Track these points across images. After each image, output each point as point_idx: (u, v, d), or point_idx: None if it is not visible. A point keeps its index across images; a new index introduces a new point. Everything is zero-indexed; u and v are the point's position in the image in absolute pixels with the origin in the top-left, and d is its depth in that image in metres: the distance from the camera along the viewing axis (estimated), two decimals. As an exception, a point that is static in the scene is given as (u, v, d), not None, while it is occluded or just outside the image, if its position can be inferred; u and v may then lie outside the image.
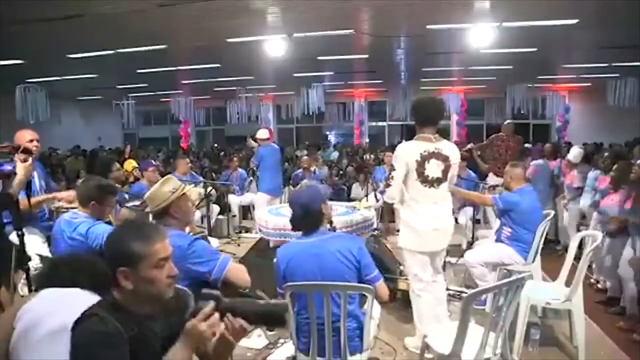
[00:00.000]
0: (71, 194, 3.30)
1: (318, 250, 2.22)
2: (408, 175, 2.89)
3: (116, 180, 4.34)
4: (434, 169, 2.87)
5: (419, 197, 2.90)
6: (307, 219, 2.30)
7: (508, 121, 6.92)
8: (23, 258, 2.44)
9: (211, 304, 1.33)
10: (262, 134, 6.60)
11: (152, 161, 5.91)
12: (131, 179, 5.52)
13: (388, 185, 2.99)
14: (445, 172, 2.92)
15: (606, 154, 5.09)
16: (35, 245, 3.07)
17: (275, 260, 2.34)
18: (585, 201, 4.99)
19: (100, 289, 1.50)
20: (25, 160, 2.53)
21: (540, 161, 5.96)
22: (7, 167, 2.41)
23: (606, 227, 3.90)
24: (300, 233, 2.39)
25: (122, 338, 1.29)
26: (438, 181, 2.90)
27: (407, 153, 2.91)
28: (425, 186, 2.88)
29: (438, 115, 3.05)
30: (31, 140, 3.29)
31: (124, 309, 1.36)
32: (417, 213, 2.93)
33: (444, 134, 3.27)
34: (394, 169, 2.94)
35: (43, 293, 1.60)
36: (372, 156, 9.19)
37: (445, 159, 2.91)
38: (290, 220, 2.38)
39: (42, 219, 3.36)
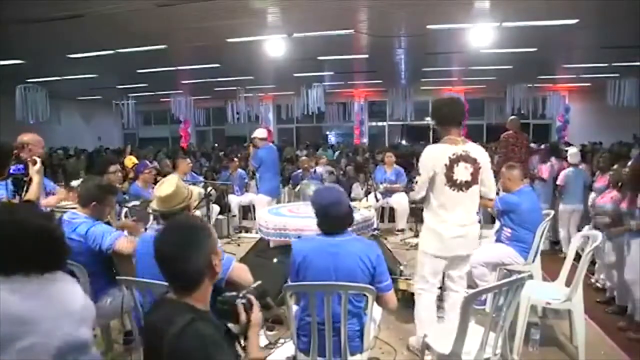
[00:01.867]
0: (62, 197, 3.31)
1: (336, 249, 2.21)
2: (435, 179, 2.78)
3: (112, 181, 4.35)
4: (462, 172, 2.77)
5: (447, 202, 2.80)
6: (339, 221, 2.27)
7: (513, 117, 6.67)
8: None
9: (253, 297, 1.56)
10: (260, 133, 6.47)
11: (148, 162, 5.89)
12: (131, 175, 5.53)
13: (412, 190, 2.92)
14: (475, 175, 2.81)
15: (605, 153, 5.10)
16: None
17: (275, 260, 2.34)
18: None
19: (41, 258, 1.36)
20: (34, 164, 2.55)
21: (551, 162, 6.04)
22: (18, 170, 2.44)
23: (602, 224, 3.89)
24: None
25: (223, 338, 1.37)
26: (467, 185, 2.79)
27: (434, 157, 2.79)
28: (454, 190, 2.78)
29: (461, 115, 2.95)
30: (24, 145, 3.23)
31: (200, 311, 1.39)
32: (443, 219, 2.82)
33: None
34: (419, 174, 2.83)
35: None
36: (370, 159, 9.18)
37: (474, 162, 2.80)
38: (319, 223, 2.31)
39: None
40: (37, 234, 1.37)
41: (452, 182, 2.76)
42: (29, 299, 1.31)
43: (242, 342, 1.51)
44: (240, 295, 1.53)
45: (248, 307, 1.51)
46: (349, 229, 2.35)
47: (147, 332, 1.45)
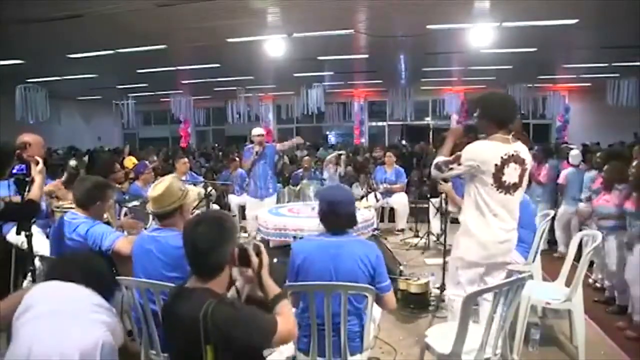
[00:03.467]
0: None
1: (337, 250, 2.20)
2: (479, 179, 2.56)
3: (116, 180, 4.35)
4: (512, 173, 2.54)
5: (492, 205, 2.56)
6: (344, 220, 2.27)
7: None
8: (29, 258, 2.45)
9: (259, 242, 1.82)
10: (259, 131, 6.09)
11: (147, 162, 5.88)
12: (132, 175, 5.53)
13: (439, 168, 2.68)
14: (522, 177, 2.60)
15: (598, 153, 5.10)
16: (41, 245, 3.07)
17: (275, 260, 2.34)
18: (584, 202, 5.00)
19: (93, 283, 1.66)
20: (37, 164, 2.55)
21: (553, 162, 6.01)
22: (20, 171, 2.44)
23: (603, 226, 3.89)
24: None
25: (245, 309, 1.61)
26: (514, 187, 2.57)
27: (486, 155, 2.52)
28: (501, 192, 2.55)
29: (515, 116, 2.74)
30: (30, 145, 3.23)
31: (221, 295, 1.60)
32: (487, 223, 2.58)
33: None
34: (459, 164, 2.59)
35: (40, 285, 1.68)
36: (371, 159, 9.17)
37: (522, 162, 2.58)
38: (322, 219, 2.30)
39: (39, 217, 3.35)
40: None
41: (499, 184, 2.54)
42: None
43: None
44: (248, 242, 1.77)
45: (257, 251, 1.73)
46: (351, 230, 2.34)
47: (176, 322, 1.57)
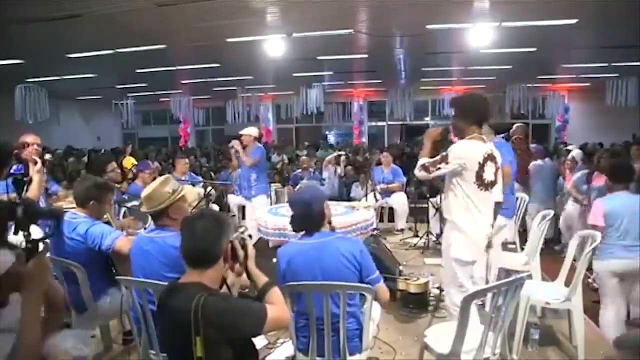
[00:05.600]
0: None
1: (319, 252, 2.21)
2: (464, 177, 2.69)
3: (112, 180, 4.35)
4: (489, 171, 2.71)
5: (477, 202, 2.70)
6: (309, 219, 2.28)
7: (521, 124, 6.15)
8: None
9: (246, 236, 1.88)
10: (253, 131, 5.87)
11: (150, 163, 5.85)
12: (130, 176, 5.52)
13: (426, 167, 2.76)
14: (497, 174, 2.76)
15: (604, 153, 5.08)
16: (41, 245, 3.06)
17: (275, 260, 2.34)
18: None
19: None
20: (35, 164, 2.56)
21: (540, 162, 5.94)
22: (19, 170, 2.45)
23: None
24: (300, 234, 2.38)
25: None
26: (492, 184, 2.73)
27: (470, 154, 2.67)
28: (482, 190, 2.69)
29: (491, 114, 2.94)
30: (29, 145, 3.25)
31: (213, 289, 1.64)
32: (475, 220, 2.71)
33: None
34: (447, 163, 2.68)
35: None
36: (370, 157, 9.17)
37: (495, 161, 2.77)
38: (291, 222, 2.35)
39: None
40: None
41: (481, 182, 2.68)
42: None
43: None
44: (235, 237, 1.80)
45: (243, 244, 1.80)
46: (331, 229, 2.35)
47: (169, 316, 1.62)
